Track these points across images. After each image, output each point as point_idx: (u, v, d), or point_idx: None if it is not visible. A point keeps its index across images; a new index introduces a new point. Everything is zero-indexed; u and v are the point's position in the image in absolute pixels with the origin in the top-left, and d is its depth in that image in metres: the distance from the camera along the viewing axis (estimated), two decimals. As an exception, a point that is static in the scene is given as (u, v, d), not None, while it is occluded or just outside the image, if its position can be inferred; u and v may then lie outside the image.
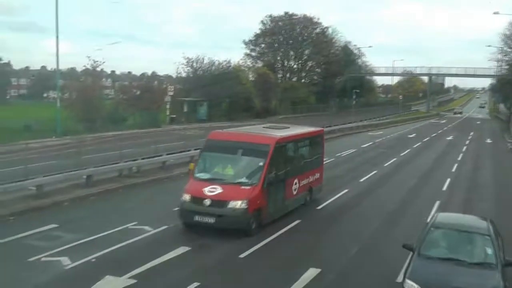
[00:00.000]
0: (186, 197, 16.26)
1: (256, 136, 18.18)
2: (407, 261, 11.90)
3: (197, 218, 15.69)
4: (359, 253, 15.00)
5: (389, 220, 19.03)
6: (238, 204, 15.59)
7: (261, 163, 16.54)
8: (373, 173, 29.02)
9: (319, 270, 13.15)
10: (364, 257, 14.63)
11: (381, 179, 27.54)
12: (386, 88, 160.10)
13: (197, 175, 17.00)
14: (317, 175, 21.43)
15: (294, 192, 18.81)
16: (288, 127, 21.54)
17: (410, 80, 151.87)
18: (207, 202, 15.72)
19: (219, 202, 15.64)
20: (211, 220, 15.49)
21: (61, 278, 12.23)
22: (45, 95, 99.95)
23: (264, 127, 20.98)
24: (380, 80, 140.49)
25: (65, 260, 13.20)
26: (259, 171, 16.43)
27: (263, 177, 16.28)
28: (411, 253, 11.77)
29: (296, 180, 18.90)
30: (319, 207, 20.31)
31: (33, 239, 14.99)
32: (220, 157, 17.39)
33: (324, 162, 31.61)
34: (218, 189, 15.92)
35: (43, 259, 13.34)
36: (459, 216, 14.90)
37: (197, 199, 15.93)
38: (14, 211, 17.82)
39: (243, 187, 16.07)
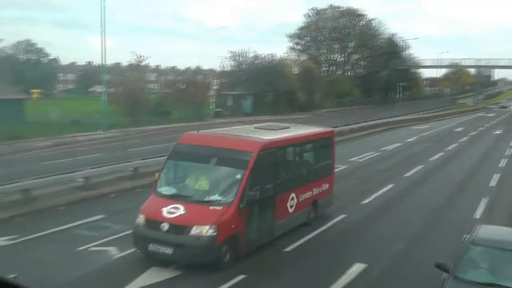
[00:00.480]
0: (141, 218, 12.85)
1: (236, 141, 14.31)
2: (442, 283, 9.63)
3: (151, 247, 12.28)
4: (404, 249, 14.79)
5: (435, 216, 18.68)
6: (203, 230, 12.06)
7: (238, 176, 12.94)
8: (418, 168, 28.54)
9: (364, 265, 13.01)
10: (409, 254, 14.41)
11: (427, 174, 27.09)
12: (432, 81, 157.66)
13: (160, 189, 13.58)
14: (325, 186, 17.64)
15: (290, 210, 15.15)
16: (288, 128, 17.73)
17: (456, 72, 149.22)
18: (165, 226, 12.25)
19: (179, 228, 12.18)
20: (169, 250, 12.06)
21: (109, 268, 12.46)
22: (90, 89, 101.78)
23: (256, 128, 17.32)
24: (426, 73, 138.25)
25: (113, 250, 13.45)
26: (235, 186, 12.82)
27: (240, 194, 12.64)
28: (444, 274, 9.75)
29: (293, 195, 15.27)
30: (365, 202, 20.08)
31: (81, 229, 15.33)
32: (190, 167, 13.98)
33: (370, 156, 31.69)
34: (180, 210, 12.48)
35: (91, 248, 13.63)
36: (505, 230, 12.15)
37: (153, 222, 12.52)
38: (63, 202, 18.27)
39: (212, 207, 12.50)
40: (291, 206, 15.16)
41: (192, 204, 12.65)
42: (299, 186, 15.80)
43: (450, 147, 38.62)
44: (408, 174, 26.48)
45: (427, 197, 21.55)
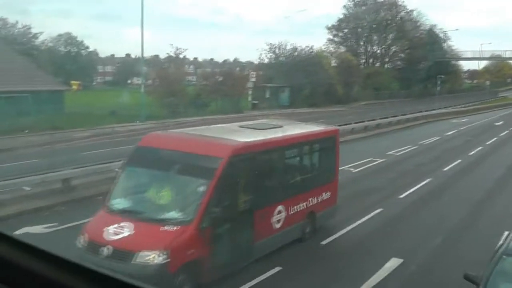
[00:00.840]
0: (83, 239, 10.62)
1: (204, 144, 11.82)
2: None
3: None
4: (441, 245, 14.58)
5: (473, 211, 18.40)
6: (150, 257, 9.74)
7: (202, 188, 10.58)
8: (457, 162, 28.09)
9: (401, 260, 12.89)
10: (447, 250, 14.20)
11: (466, 169, 26.68)
12: (472, 73, 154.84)
13: (111, 202, 11.39)
14: (326, 195, 14.97)
15: (277, 225, 12.66)
16: (280, 127, 14.85)
17: (497, 64, 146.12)
18: (105, 251, 9.96)
19: (122, 253, 9.87)
20: None
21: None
22: (129, 81, 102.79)
23: (241, 126, 14.58)
24: (466, 65, 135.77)
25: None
26: (197, 201, 10.48)
27: (203, 210, 10.28)
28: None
29: (280, 208, 12.74)
30: (402, 196, 19.88)
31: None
32: (149, 176, 11.73)
33: (407, 150, 31.32)
34: (126, 230, 10.19)
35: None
36: None
37: (94, 244, 10.27)
38: (102, 191, 18.47)
39: (166, 227, 10.13)
40: (277, 221, 12.72)
41: (142, 223, 10.41)
42: (289, 197, 13.34)
43: (489, 141, 37.91)
44: (446, 169, 26.10)
45: (465, 192, 21.27)
